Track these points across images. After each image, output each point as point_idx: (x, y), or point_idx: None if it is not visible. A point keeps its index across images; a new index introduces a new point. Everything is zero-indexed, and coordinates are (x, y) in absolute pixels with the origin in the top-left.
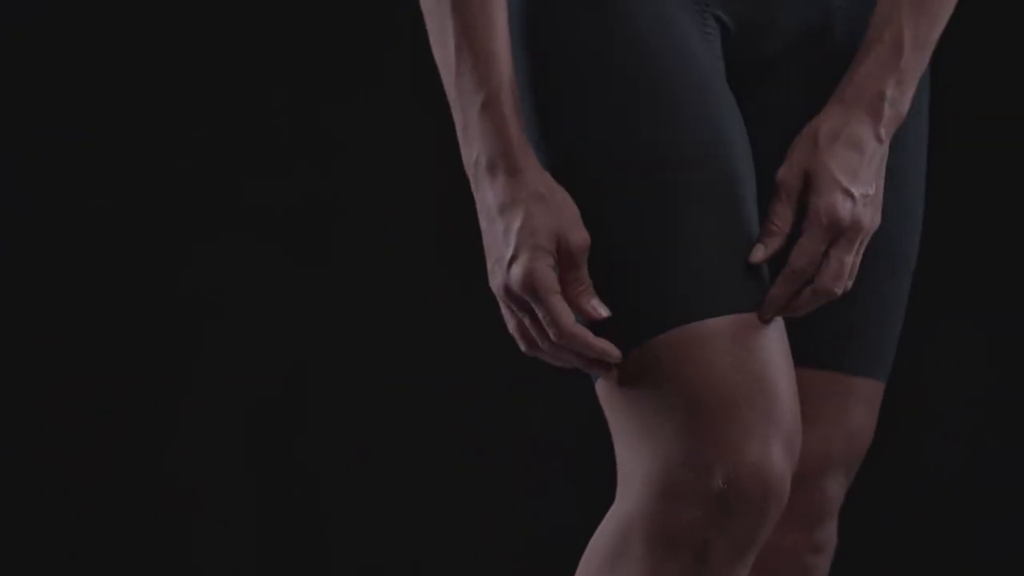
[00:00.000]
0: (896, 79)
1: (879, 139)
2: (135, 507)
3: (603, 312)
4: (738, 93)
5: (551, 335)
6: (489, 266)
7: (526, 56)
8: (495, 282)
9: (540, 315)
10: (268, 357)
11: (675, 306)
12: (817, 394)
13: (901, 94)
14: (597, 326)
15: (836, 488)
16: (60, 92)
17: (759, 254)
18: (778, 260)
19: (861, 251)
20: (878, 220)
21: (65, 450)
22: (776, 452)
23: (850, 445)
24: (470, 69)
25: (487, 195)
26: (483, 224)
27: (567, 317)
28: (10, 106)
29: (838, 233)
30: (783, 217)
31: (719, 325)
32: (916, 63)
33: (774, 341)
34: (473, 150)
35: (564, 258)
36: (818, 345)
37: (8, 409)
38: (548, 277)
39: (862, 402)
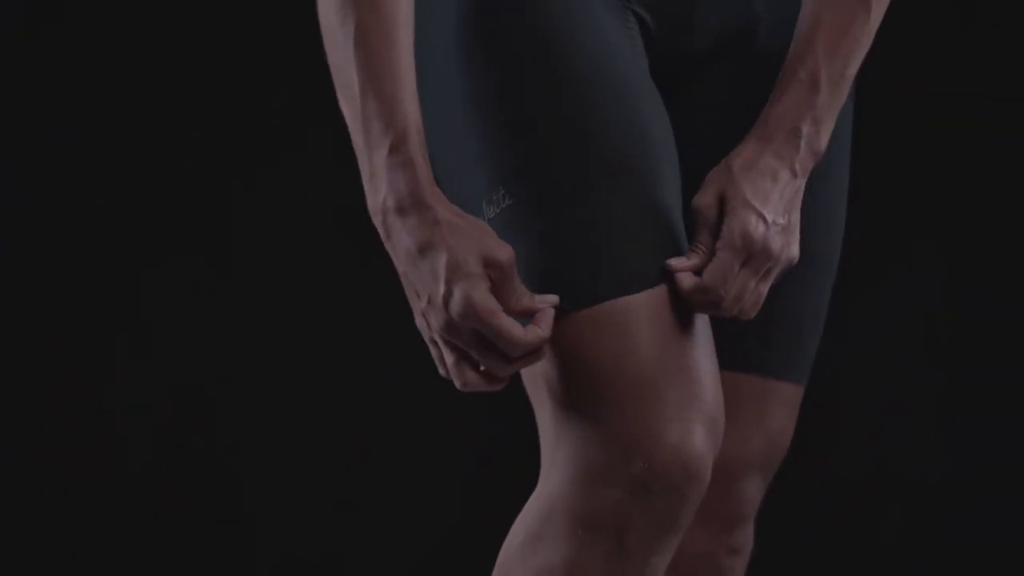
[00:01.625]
0: (812, 116)
1: (794, 173)
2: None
3: (554, 299)
4: (667, 91)
5: (508, 352)
6: (419, 309)
7: (454, 61)
8: (432, 322)
9: (490, 338)
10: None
11: (596, 284)
12: (737, 397)
13: (817, 132)
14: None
15: (754, 491)
16: (58, 93)
17: (673, 262)
18: None
19: (769, 280)
20: (794, 254)
21: (65, 449)
22: (697, 435)
23: (769, 448)
24: (376, 115)
25: (402, 239)
26: (402, 269)
27: (517, 329)
28: (8, 106)
29: (749, 254)
30: (703, 241)
31: (639, 303)
32: (833, 100)
33: (695, 324)
34: (380, 195)
35: (497, 276)
36: (739, 348)
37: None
38: (489, 300)
39: (781, 405)
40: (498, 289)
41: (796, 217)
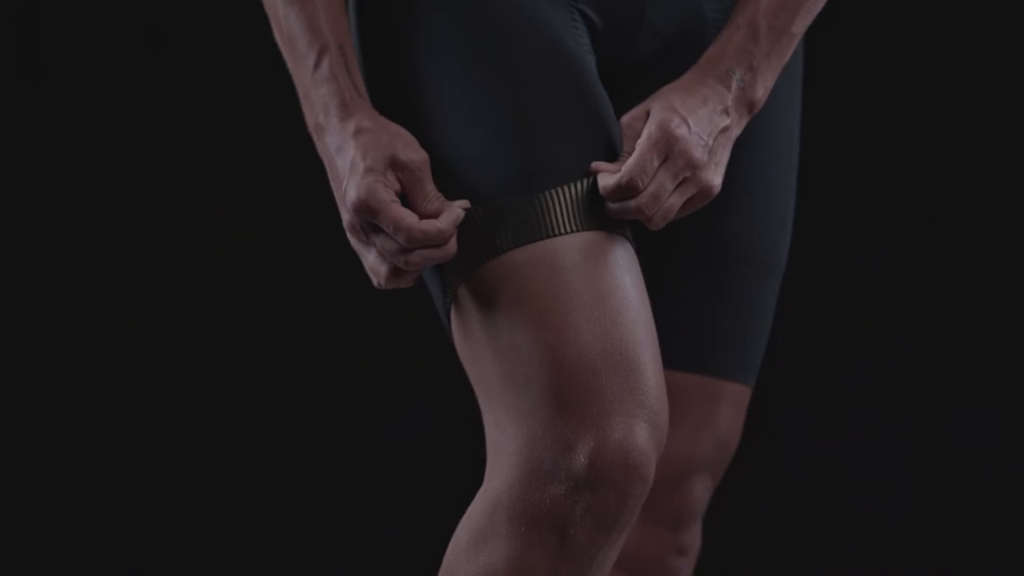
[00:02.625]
0: (749, 64)
1: (725, 111)
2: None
3: (464, 202)
4: (615, 92)
5: (401, 240)
6: (340, 210)
7: (391, 53)
8: (344, 223)
9: (384, 227)
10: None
11: (526, 230)
12: (685, 397)
13: (753, 79)
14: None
15: (702, 491)
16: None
17: (595, 164)
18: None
19: (684, 196)
20: (715, 183)
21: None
22: (640, 429)
23: (717, 449)
24: (302, 33)
25: (326, 150)
26: (329, 176)
27: (410, 218)
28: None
29: (669, 151)
30: (629, 151)
31: (581, 290)
32: (773, 53)
33: (639, 314)
34: (310, 112)
35: (406, 176)
36: (686, 348)
37: None
38: (381, 191)
39: (729, 406)
40: (408, 191)
41: (723, 152)
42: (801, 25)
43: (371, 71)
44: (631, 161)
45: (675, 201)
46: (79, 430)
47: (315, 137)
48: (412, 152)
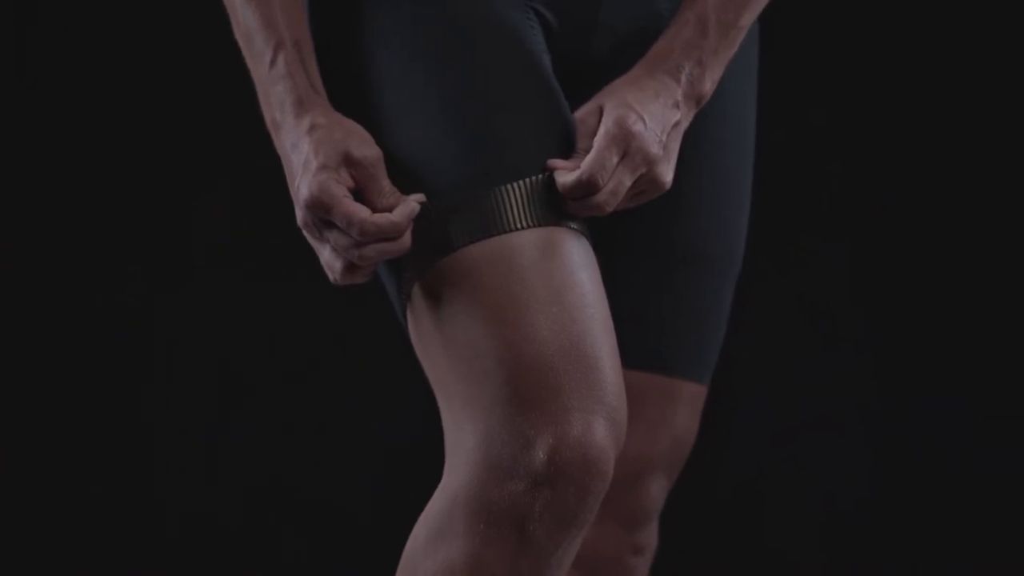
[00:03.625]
0: (697, 58)
1: (675, 104)
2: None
3: (420, 197)
4: (571, 92)
5: (354, 234)
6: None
7: (345, 47)
8: (298, 219)
9: (338, 222)
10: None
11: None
12: (641, 396)
13: (701, 74)
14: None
15: (658, 490)
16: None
17: (551, 161)
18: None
19: (638, 187)
20: (668, 178)
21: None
22: (599, 426)
23: (673, 448)
24: (258, 29)
25: (282, 146)
26: (285, 173)
27: (363, 212)
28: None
29: (627, 147)
30: (584, 147)
31: (537, 287)
32: (721, 47)
33: (596, 311)
34: (268, 111)
35: (360, 173)
36: (642, 347)
37: None
38: (333, 186)
39: (685, 405)
40: (363, 187)
41: (674, 147)
42: (748, 19)
43: (326, 65)
44: (590, 158)
45: (628, 194)
46: (79, 430)
47: (272, 134)
48: (366, 148)
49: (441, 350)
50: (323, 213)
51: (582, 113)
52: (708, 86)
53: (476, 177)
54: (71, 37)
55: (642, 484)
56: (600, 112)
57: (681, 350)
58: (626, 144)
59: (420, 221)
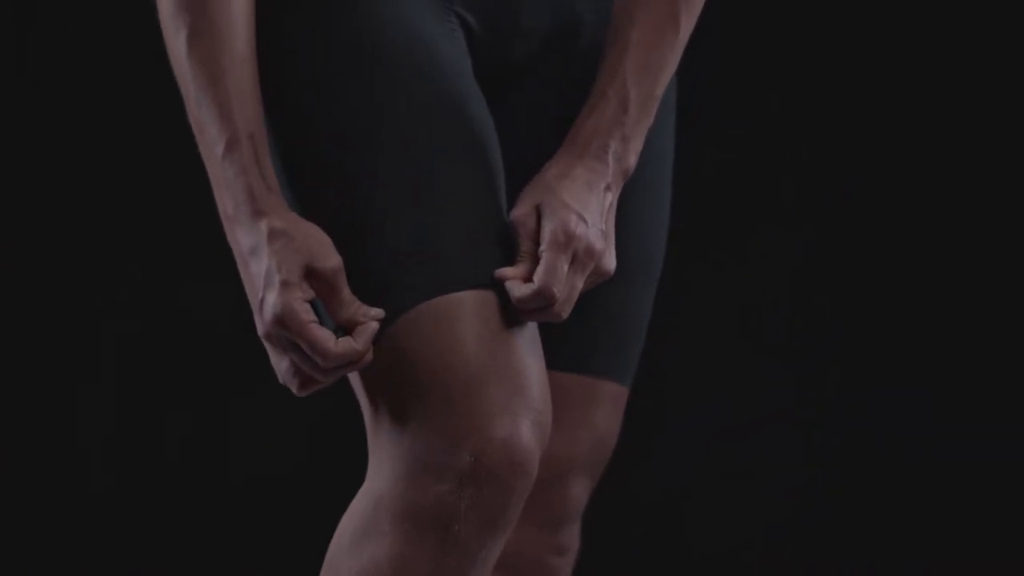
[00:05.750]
0: (621, 135)
1: (607, 187)
2: None
3: (379, 313)
4: (493, 96)
5: (319, 363)
6: (255, 316)
7: (268, 65)
8: (259, 331)
9: (303, 346)
10: None
11: (424, 282)
12: (564, 397)
13: (626, 149)
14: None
15: (580, 490)
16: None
17: (500, 270)
18: None
19: (585, 286)
20: (611, 266)
21: None
22: (525, 428)
23: (595, 448)
24: (209, 121)
25: (238, 245)
26: (242, 275)
27: (328, 341)
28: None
29: (575, 251)
30: (527, 249)
31: (466, 300)
32: (641, 119)
33: (523, 323)
34: (221, 202)
35: (321, 287)
36: (564, 348)
37: None
38: (299, 309)
39: (607, 405)
40: (324, 299)
41: (611, 229)
42: (662, 87)
43: (266, 96)
44: (542, 270)
45: (578, 293)
46: (79, 430)
47: (225, 225)
48: (326, 259)
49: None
50: (288, 335)
51: (519, 215)
52: (633, 159)
53: (428, 289)
54: (71, 37)
55: (565, 485)
56: (537, 213)
57: (603, 352)
58: (573, 248)
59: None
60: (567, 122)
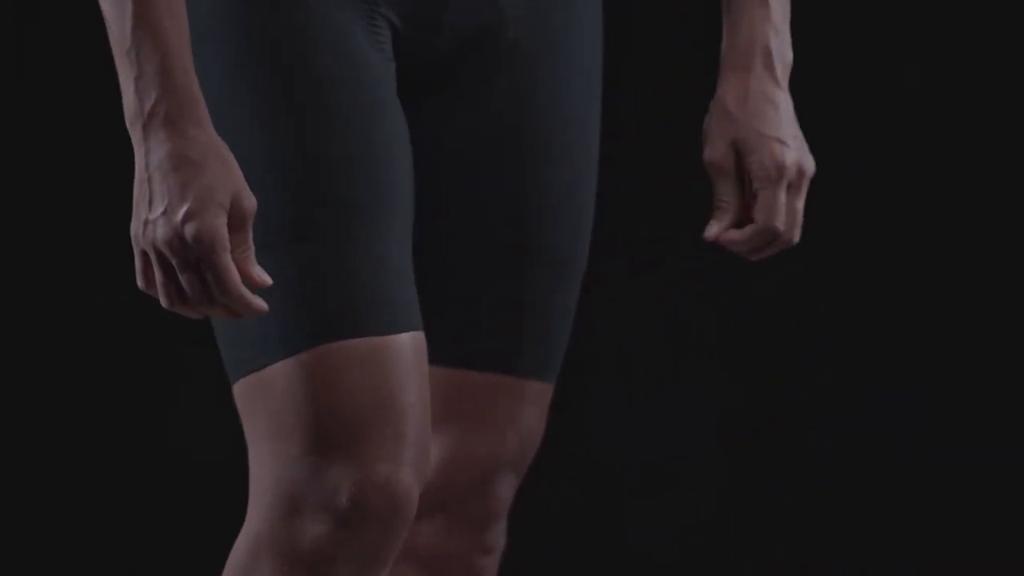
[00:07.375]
0: (774, 31)
1: (785, 92)
2: None
3: (267, 280)
4: (417, 93)
5: (215, 292)
6: (145, 217)
7: (202, 60)
8: (156, 234)
9: (208, 271)
10: None
11: (319, 326)
12: (488, 397)
13: (782, 43)
14: (245, 347)
15: (506, 489)
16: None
17: (712, 230)
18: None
19: (804, 197)
20: (812, 165)
21: None
22: (404, 470)
23: (521, 447)
24: (150, 30)
25: (162, 146)
26: (146, 175)
27: (234, 276)
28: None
29: (789, 180)
30: (728, 192)
31: (357, 348)
32: (782, 7)
33: (410, 364)
34: (149, 100)
35: (235, 219)
36: (488, 348)
37: None
38: (224, 235)
39: (532, 404)
40: (231, 232)
41: (798, 129)
42: None
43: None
44: (762, 208)
45: (800, 206)
46: (79, 430)
47: (140, 122)
48: (249, 198)
49: (256, 391)
50: (204, 253)
51: (716, 156)
52: (790, 52)
53: (315, 327)
54: (71, 37)
55: (491, 484)
56: (734, 150)
57: (528, 351)
58: (787, 178)
59: None
60: (492, 118)
